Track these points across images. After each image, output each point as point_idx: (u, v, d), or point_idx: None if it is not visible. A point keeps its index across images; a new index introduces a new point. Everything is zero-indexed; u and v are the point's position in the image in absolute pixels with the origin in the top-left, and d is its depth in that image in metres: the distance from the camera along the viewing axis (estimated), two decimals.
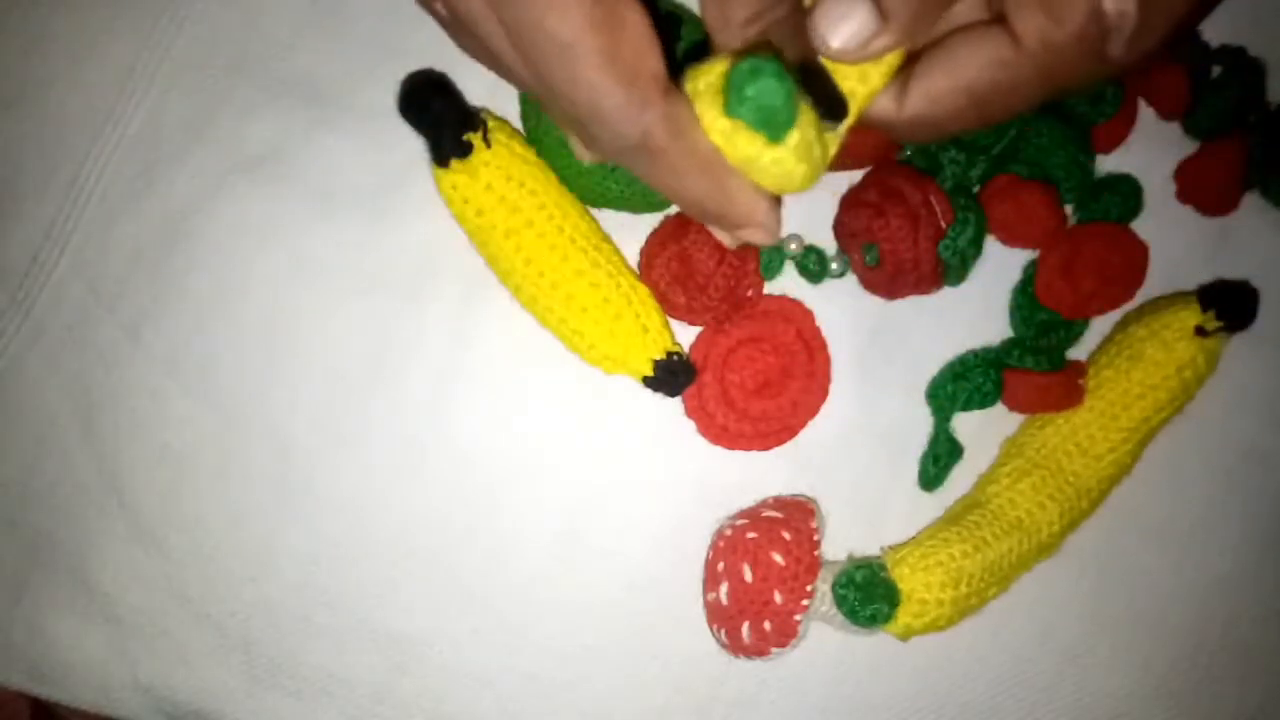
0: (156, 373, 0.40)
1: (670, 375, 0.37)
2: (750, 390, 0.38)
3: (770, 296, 0.39)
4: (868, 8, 0.27)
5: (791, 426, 0.38)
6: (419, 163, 0.40)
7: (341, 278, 0.40)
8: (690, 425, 0.39)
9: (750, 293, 0.38)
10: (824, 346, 0.39)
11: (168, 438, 0.40)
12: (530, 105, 0.38)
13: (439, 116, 0.35)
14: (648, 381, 0.37)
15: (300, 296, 0.40)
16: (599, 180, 0.37)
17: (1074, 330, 0.39)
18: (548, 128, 0.37)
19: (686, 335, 0.39)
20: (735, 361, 0.38)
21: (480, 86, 0.37)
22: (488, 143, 0.36)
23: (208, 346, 0.40)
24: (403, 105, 0.37)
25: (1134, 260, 0.38)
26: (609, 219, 0.39)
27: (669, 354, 0.37)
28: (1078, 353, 0.39)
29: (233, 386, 0.40)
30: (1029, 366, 0.38)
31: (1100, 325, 0.39)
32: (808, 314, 0.39)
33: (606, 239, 0.38)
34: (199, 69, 0.41)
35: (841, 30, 0.28)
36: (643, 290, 0.37)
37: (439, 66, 0.40)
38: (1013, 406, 0.38)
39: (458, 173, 0.36)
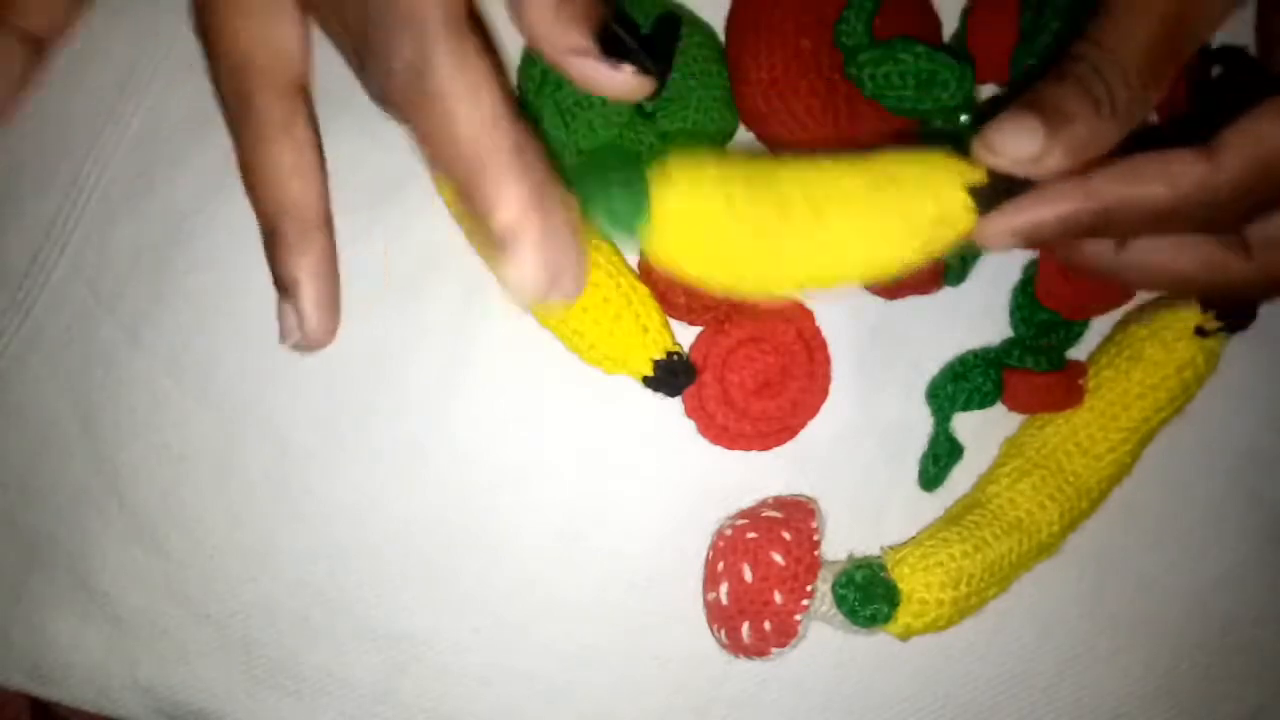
0: (156, 373, 0.40)
1: (670, 375, 0.37)
2: (750, 390, 0.38)
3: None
4: (1038, 124, 0.28)
5: (791, 426, 0.38)
6: (419, 163, 0.40)
7: (342, 277, 0.40)
8: (690, 425, 0.39)
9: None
10: (824, 346, 0.39)
11: (168, 438, 0.40)
12: (530, 103, 0.38)
13: None
14: (648, 381, 0.37)
15: None
16: None
17: (1074, 330, 0.39)
18: (550, 127, 0.37)
19: (686, 336, 0.39)
20: (735, 361, 0.38)
21: None
22: None
23: (208, 346, 0.40)
24: None
25: None
26: None
27: (669, 354, 0.37)
28: (1078, 353, 0.39)
29: (233, 386, 0.40)
30: (1029, 366, 0.38)
31: (1100, 325, 0.39)
32: (808, 314, 0.39)
33: (607, 239, 0.38)
34: (199, 69, 0.41)
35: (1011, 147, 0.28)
36: (642, 290, 0.37)
37: None
38: (1013, 406, 0.38)
39: None
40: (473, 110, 0.29)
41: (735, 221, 0.29)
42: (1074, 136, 0.28)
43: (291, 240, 0.33)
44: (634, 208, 0.28)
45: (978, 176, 0.29)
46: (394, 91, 0.30)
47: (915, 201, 0.29)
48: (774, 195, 0.29)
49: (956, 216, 0.29)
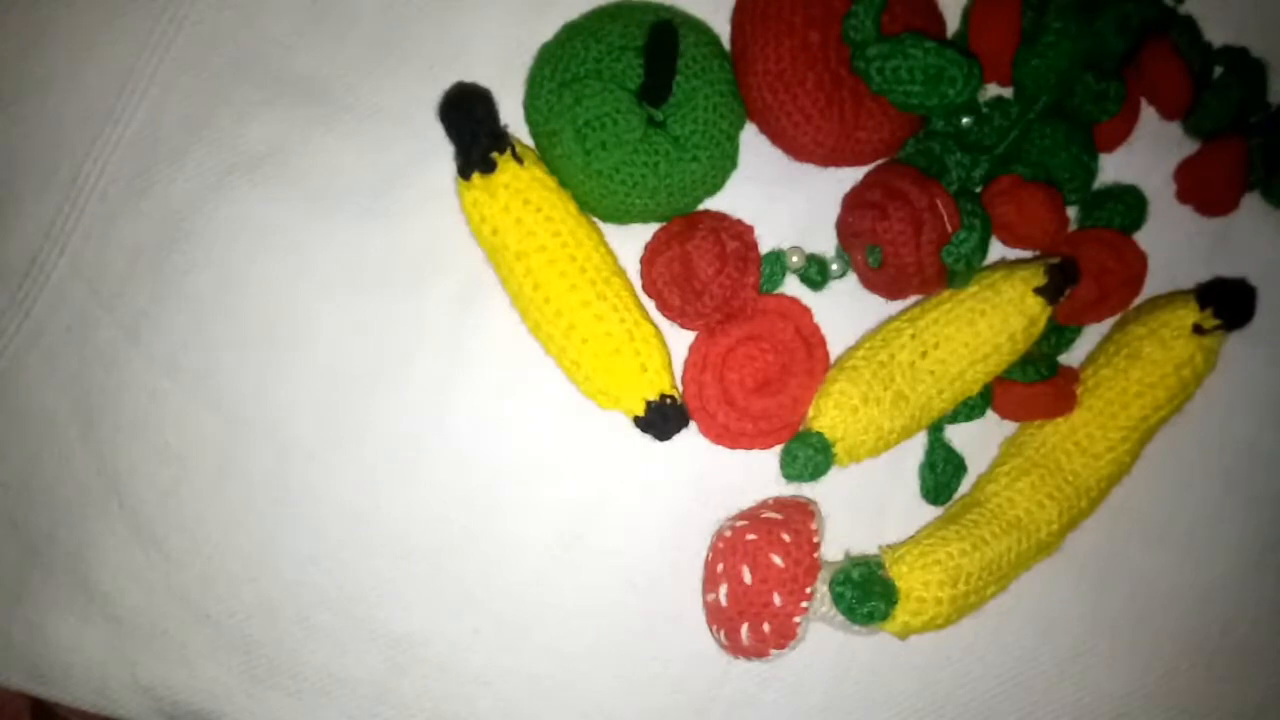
0: (156, 373, 0.40)
1: (661, 418, 0.37)
2: (750, 388, 0.38)
3: (768, 295, 0.39)
4: None
5: (792, 424, 0.38)
6: (418, 162, 0.40)
7: (341, 277, 0.40)
8: (691, 425, 0.38)
9: (746, 308, 0.38)
10: (823, 343, 0.38)
11: (168, 438, 0.40)
12: (543, 130, 0.38)
13: (475, 128, 0.36)
14: (638, 422, 0.37)
15: (300, 296, 0.40)
16: (621, 198, 0.37)
17: (1065, 336, 0.39)
18: (566, 150, 0.37)
19: (684, 335, 0.39)
20: (735, 360, 0.38)
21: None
22: (519, 159, 0.36)
23: (207, 346, 0.40)
24: (444, 110, 0.37)
25: (1132, 271, 0.38)
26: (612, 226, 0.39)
27: (663, 396, 0.37)
28: (1078, 350, 0.39)
29: (233, 386, 0.40)
30: (1016, 377, 0.38)
31: (1098, 325, 0.39)
32: (805, 311, 0.38)
33: (620, 274, 0.38)
34: (199, 69, 0.41)
35: None
36: (647, 329, 0.37)
37: (439, 67, 0.40)
38: (1003, 415, 0.38)
39: (478, 189, 0.36)
40: None
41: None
42: None
43: None
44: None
45: (1038, 279, 0.36)
46: None
47: (1006, 322, 0.36)
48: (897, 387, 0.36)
49: (1038, 315, 0.36)
